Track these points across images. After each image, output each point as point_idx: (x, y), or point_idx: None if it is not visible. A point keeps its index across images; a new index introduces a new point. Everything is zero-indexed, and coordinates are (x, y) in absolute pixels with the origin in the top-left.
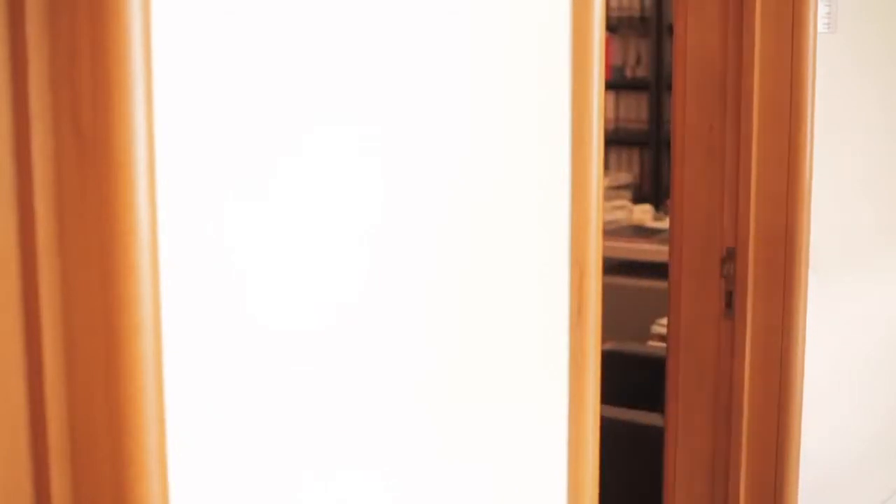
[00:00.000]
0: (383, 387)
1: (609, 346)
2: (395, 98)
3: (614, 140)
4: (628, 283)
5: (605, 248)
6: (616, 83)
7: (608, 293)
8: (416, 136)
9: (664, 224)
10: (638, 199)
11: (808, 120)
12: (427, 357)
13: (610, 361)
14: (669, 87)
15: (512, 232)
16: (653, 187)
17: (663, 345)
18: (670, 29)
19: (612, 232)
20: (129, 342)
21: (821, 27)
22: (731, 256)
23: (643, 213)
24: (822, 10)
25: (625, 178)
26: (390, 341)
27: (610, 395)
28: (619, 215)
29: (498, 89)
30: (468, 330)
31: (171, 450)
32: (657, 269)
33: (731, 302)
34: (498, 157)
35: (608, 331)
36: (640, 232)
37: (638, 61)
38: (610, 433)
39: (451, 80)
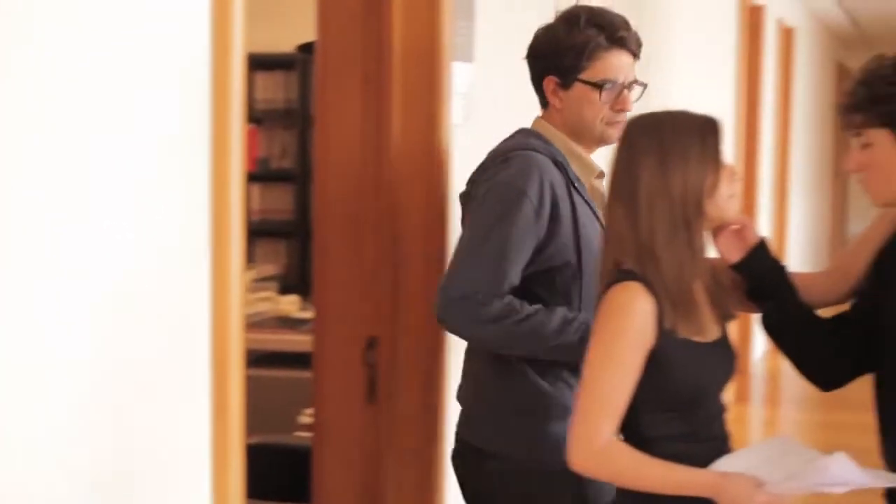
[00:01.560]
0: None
1: (255, 439)
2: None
3: (261, 231)
4: (276, 374)
5: (250, 341)
6: (262, 175)
7: (254, 386)
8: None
9: (311, 314)
10: (285, 290)
11: (447, 209)
12: (59, 454)
13: (256, 455)
14: None
15: (151, 329)
16: (300, 278)
17: (310, 435)
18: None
19: (257, 324)
20: None
21: (456, 119)
22: (373, 345)
23: (289, 304)
24: (457, 103)
25: (271, 269)
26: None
27: (257, 489)
28: (265, 307)
29: (140, 182)
30: (103, 426)
31: None
32: (305, 360)
33: (374, 390)
34: (134, 255)
35: (255, 424)
36: (287, 323)
37: (283, 153)
38: None
39: (95, 177)
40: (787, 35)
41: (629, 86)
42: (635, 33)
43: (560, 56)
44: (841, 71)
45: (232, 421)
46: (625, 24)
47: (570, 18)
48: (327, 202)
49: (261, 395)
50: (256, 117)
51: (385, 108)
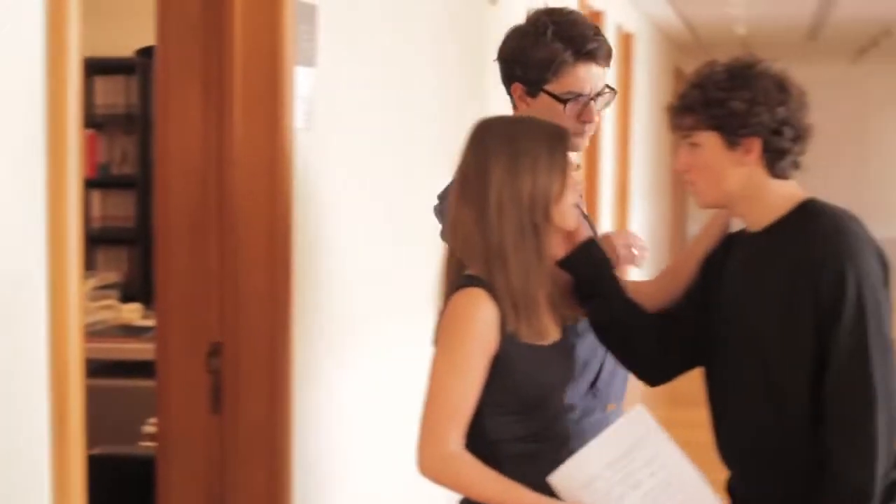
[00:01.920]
0: None
1: (97, 450)
2: None
3: (102, 238)
4: (118, 384)
5: (91, 350)
6: (102, 181)
7: (97, 396)
8: None
9: (153, 322)
10: (127, 298)
11: (291, 213)
12: None
13: (99, 466)
14: None
15: None
16: (143, 285)
17: (155, 445)
18: None
19: (98, 333)
20: None
21: (299, 123)
22: (217, 351)
23: (132, 312)
24: (299, 108)
25: (113, 276)
26: None
27: (100, 501)
28: (107, 315)
29: None
30: None
31: None
32: (148, 368)
33: (219, 397)
34: None
35: (98, 435)
36: (129, 331)
37: (125, 158)
38: None
39: None
40: (626, 40)
41: (595, 97)
42: (605, 42)
43: (525, 67)
44: (679, 75)
45: (72, 432)
46: (594, 35)
47: (537, 27)
48: (169, 208)
49: (103, 405)
50: (97, 122)
51: (226, 113)
